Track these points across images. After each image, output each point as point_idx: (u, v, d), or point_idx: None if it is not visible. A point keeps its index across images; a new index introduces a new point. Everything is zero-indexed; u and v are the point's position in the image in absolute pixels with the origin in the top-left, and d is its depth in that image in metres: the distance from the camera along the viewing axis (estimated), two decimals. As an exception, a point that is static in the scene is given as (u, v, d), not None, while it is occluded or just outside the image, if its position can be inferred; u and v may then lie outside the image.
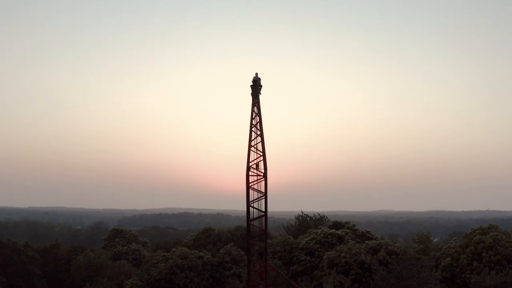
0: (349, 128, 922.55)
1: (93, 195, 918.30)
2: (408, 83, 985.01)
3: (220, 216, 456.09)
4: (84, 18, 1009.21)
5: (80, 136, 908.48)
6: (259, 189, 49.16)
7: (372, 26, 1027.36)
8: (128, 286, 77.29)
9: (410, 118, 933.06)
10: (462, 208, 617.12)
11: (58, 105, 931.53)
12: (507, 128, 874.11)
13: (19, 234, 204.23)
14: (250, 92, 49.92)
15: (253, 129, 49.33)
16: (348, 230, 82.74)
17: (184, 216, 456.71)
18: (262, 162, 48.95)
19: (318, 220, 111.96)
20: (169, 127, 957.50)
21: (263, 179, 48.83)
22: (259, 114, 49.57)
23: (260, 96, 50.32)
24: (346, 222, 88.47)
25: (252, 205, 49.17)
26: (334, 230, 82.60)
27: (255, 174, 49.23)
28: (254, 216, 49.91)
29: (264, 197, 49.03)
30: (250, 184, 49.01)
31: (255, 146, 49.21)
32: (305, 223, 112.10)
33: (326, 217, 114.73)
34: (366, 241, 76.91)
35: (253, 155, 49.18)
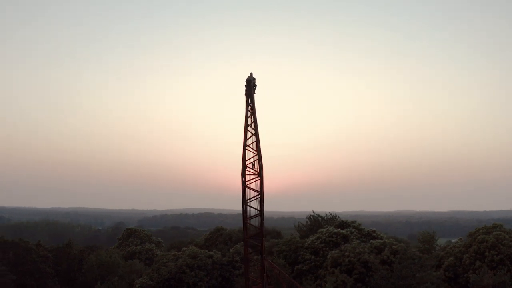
0: (370, 127, 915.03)
1: (114, 196, 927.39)
2: (429, 81, 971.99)
3: (240, 216, 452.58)
4: (100, 20, 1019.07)
5: (103, 138, 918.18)
6: (255, 188, 49.85)
7: (378, 25, 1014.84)
8: (138, 285, 78.02)
9: (432, 116, 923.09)
10: (484, 208, 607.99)
11: (82, 106, 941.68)
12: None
13: (40, 234, 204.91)
14: (244, 92, 50.46)
15: (248, 128, 49.97)
16: (353, 230, 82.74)
17: (205, 217, 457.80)
18: (257, 161, 49.61)
19: (329, 220, 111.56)
20: (191, 127, 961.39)
21: (259, 178, 49.47)
22: (254, 113, 50.11)
23: (255, 95, 50.84)
24: (352, 222, 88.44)
25: (248, 203, 49.88)
26: (339, 229, 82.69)
27: (251, 173, 49.90)
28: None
29: (259, 196, 49.68)
30: (246, 183, 49.70)
31: (250, 145, 49.87)
32: (317, 223, 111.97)
33: (338, 217, 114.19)
34: (371, 241, 76.99)
35: (249, 154, 49.84)
